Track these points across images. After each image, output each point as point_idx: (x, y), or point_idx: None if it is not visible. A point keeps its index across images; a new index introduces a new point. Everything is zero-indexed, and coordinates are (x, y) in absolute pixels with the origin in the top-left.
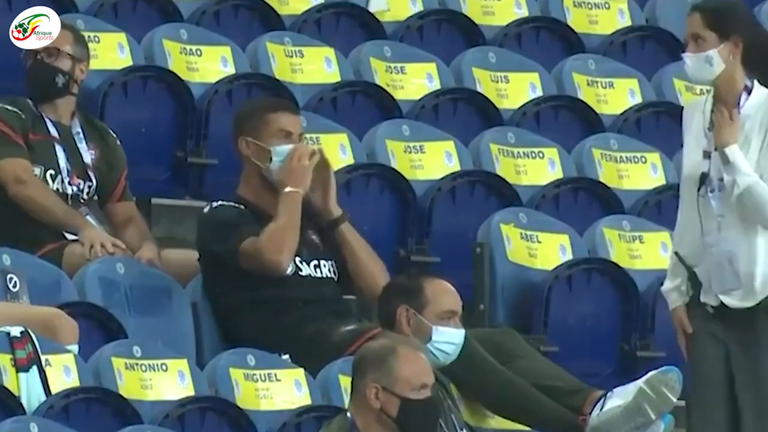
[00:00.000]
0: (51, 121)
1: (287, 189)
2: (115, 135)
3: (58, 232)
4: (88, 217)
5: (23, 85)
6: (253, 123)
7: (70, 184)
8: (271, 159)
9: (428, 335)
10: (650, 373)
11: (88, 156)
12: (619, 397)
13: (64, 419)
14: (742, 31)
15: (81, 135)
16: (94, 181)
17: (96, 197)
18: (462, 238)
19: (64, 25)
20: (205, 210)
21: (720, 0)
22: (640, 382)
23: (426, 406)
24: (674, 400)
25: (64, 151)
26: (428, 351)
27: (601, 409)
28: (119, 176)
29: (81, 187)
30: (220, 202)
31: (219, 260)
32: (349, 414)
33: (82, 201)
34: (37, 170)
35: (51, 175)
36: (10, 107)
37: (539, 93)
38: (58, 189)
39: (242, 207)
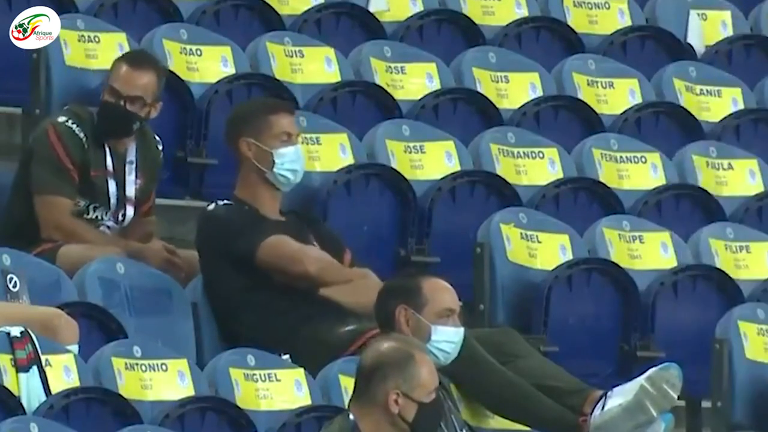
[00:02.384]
0: (110, 154)
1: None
2: (160, 148)
3: None
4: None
5: (23, 84)
6: (255, 124)
7: (111, 217)
8: (273, 162)
9: (427, 335)
10: (651, 370)
11: (132, 188)
12: (620, 396)
13: (64, 419)
14: None
15: (133, 165)
16: (131, 212)
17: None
18: (462, 238)
19: (154, 67)
20: (210, 208)
21: None
22: (640, 380)
23: (435, 408)
24: (675, 396)
25: (115, 185)
26: (429, 351)
27: (602, 409)
28: (150, 193)
29: (119, 218)
30: (225, 202)
31: (223, 259)
32: (351, 416)
33: (112, 227)
34: (83, 203)
35: (95, 207)
36: (77, 130)
37: (539, 93)
38: (96, 217)
39: (245, 208)
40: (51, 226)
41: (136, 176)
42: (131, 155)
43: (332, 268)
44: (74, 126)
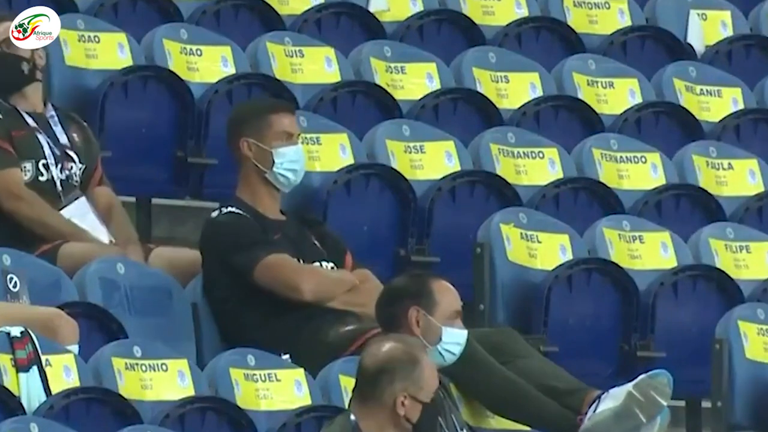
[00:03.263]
0: (26, 113)
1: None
2: (86, 123)
3: None
4: (82, 200)
5: None
6: (255, 124)
7: (61, 170)
8: (273, 161)
9: (438, 336)
10: (640, 377)
11: (64, 137)
12: (612, 400)
13: (64, 419)
14: None
15: (56, 118)
16: (77, 161)
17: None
18: (462, 238)
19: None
20: (214, 215)
21: None
22: (629, 386)
23: (434, 408)
24: (664, 403)
25: (46, 139)
26: (436, 352)
27: (594, 411)
28: (96, 162)
29: (71, 170)
30: (229, 209)
31: (226, 266)
32: (352, 416)
33: (75, 184)
34: (29, 165)
35: (43, 165)
36: None
37: (539, 93)
38: (51, 177)
39: (248, 216)
40: (8, 198)
41: (63, 127)
42: (50, 111)
43: (329, 288)
44: None
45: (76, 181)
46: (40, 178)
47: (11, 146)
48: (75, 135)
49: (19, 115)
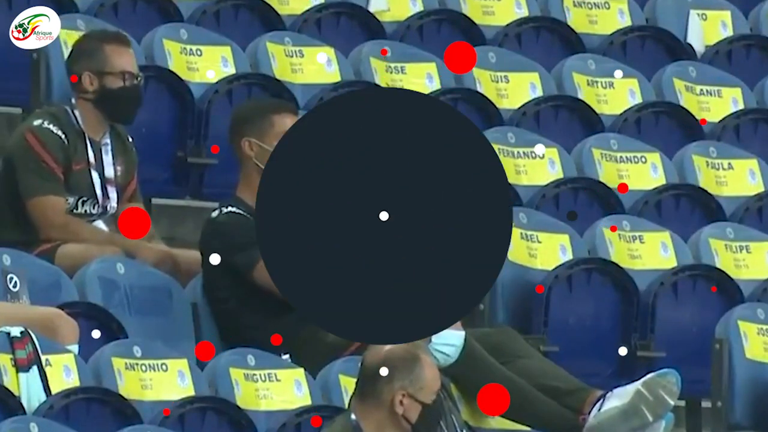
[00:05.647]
0: (90, 140)
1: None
2: (131, 139)
3: None
4: (100, 223)
5: (23, 84)
6: (257, 124)
7: (96, 206)
8: None
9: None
10: (648, 376)
11: (110, 170)
12: (618, 398)
13: (64, 419)
14: None
15: (108, 147)
16: (115, 195)
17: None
18: None
19: (129, 44)
20: (214, 215)
21: None
22: (637, 384)
23: (435, 409)
24: (672, 403)
25: (98, 175)
26: (428, 352)
27: (599, 410)
28: (131, 178)
29: (105, 207)
30: (229, 209)
31: (226, 266)
32: (353, 416)
33: (100, 216)
34: (71, 199)
35: (83, 201)
36: (54, 129)
37: (539, 93)
38: (85, 212)
39: (248, 216)
40: (48, 226)
41: (113, 157)
42: (106, 138)
43: None
44: (51, 126)
45: (107, 215)
46: (74, 211)
47: (64, 174)
48: (120, 168)
49: (84, 143)
